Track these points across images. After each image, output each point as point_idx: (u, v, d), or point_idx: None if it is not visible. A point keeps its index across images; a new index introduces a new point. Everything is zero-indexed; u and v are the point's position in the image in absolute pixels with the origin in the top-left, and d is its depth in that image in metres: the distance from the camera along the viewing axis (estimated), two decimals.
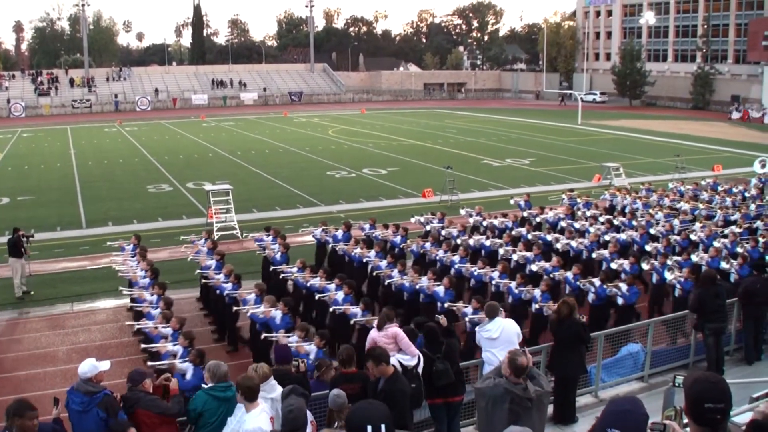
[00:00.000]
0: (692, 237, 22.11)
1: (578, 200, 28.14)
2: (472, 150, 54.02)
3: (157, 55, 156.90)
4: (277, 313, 15.00)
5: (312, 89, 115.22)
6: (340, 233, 22.37)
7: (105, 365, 10.24)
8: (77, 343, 18.62)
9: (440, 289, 16.44)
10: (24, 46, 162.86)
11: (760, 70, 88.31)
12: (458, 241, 21.72)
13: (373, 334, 11.68)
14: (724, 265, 18.41)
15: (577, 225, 23.86)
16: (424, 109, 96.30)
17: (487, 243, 21.79)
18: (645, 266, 18.59)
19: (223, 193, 30.88)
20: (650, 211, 26.10)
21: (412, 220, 25.62)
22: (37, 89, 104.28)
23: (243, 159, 51.12)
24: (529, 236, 22.44)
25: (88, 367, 10.00)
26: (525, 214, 26.43)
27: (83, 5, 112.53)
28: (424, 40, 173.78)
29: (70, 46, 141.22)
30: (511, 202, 28.82)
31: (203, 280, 19.84)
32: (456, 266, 19.28)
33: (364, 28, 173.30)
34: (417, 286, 17.13)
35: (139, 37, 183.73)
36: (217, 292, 17.79)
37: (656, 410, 8.37)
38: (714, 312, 14.61)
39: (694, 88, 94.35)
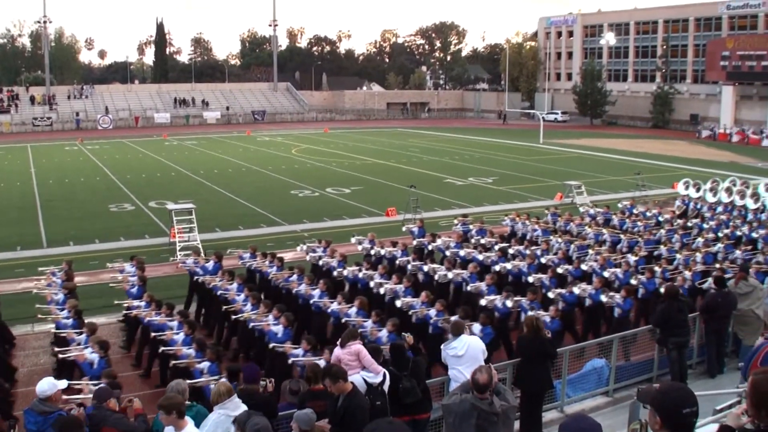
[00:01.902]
0: (583, 266, 21.13)
1: (471, 226, 27.41)
2: (435, 169, 54.27)
3: (120, 73, 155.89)
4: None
5: (275, 108, 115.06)
6: (210, 264, 21.43)
7: (63, 384, 10.19)
8: (38, 365, 18.36)
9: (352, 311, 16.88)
10: None
11: (718, 89, 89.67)
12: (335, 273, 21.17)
13: (337, 351, 11.69)
14: (603, 298, 17.51)
15: (462, 253, 22.98)
16: (388, 128, 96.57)
17: (360, 275, 20.41)
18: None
19: (186, 212, 30.72)
20: (550, 237, 25.59)
21: (297, 249, 25.00)
22: None
23: (206, 178, 50.90)
24: (410, 266, 21.56)
25: (47, 385, 9.97)
26: (415, 242, 25.59)
27: (45, 22, 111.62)
28: (387, 60, 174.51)
29: (31, 63, 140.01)
30: (404, 229, 28.39)
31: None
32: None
33: (328, 48, 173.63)
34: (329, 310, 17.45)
35: (101, 54, 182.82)
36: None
37: (622, 424, 8.47)
38: (677, 326, 14.84)
39: (654, 107, 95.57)
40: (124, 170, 55.41)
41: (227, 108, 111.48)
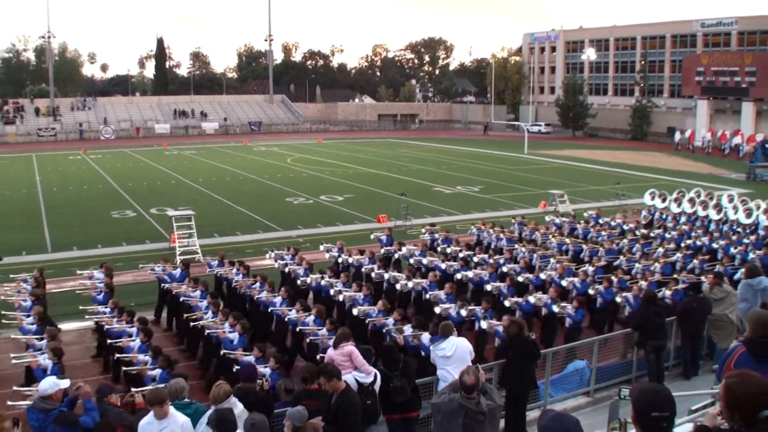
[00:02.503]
0: (542, 275, 20.80)
1: (437, 235, 26.90)
2: (424, 177, 54.31)
3: (121, 86, 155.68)
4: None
5: (271, 119, 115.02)
6: (177, 272, 21.27)
7: (65, 383, 10.23)
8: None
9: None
10: None
11: (693, 103, 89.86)
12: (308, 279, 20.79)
13: (330, 352, 11.74)
14: (555, 308, 17.17)
15: (425, 261, 22.71)
16: (379, 138, 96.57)
17: (323, 282, 20.15)
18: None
19: (186, 218, 30.72)
20: (515, 246, 25.23)
21: (266, 256, 25.04)
22: (3, 117, 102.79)
23: (205, 186, 50.87)
24: (373, 274, 21.45)
25: (49, 384, 10.06)
26: (383, 250, 25.34)
27: (49, 37, 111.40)
28: (378, 74, 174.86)
29: (36, 76, 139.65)
30: (372, 237, 27.84)
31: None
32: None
33: (321, 62, 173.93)
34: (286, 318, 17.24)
35: (104, 68, 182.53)
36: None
37: (602, 423, 8.50)
38: (655, 330, 14.90)
39: (633, 120, 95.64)
40: (126, 178, 55.35)
41: (225, 119, 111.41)
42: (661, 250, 24.69)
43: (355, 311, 17.29)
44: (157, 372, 12.91)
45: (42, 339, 15.05)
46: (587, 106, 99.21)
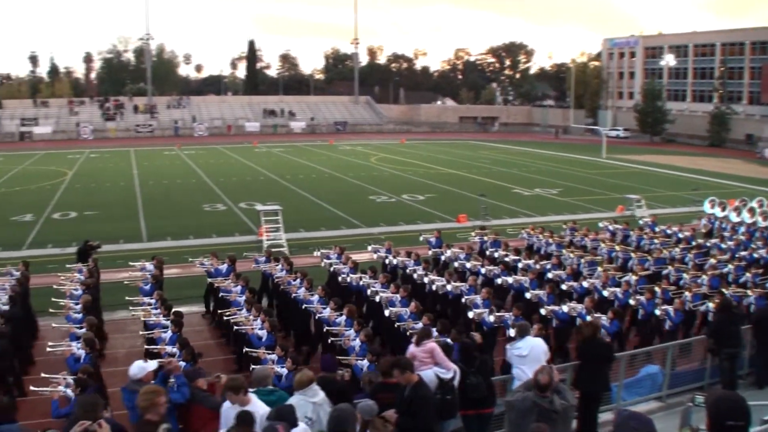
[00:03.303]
0: (585, 284, 19.53)
1: (485, 238, 25.86)
2: (503, 179, 53.83)
3: (214, 86, 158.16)
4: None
5: (356, 120, 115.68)
6: (224, 267, 21.01)
7: (152, 365, 10.48)
8: (134, 347, 18.64)
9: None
10: (93, 75, 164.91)
11: None
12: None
13: (412, 348, 11.70)
14: (588, 319, 15.70)
15: (468, 265, 21.94)
16: (460, 140, 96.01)
17: (362, 282, 19.77)
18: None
19: (273, 213, 31.14)
20: (564, 251, 23.97)
21: (315, 253, 24.26)
22: (104, 114, 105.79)
23: (292, 183, 51.41)
24: (415, 275, 20.91)
25: (137, 368, 10.29)
26: (430, 252, 24.79)
27: (147, 39, 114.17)
28: (460, 77, 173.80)
29: (135, 75, 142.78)
30: (421, 239, 26.67)
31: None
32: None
33: (405, 65, 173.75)
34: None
35: (198, 68, 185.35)
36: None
37: (673, 428, 8.35)
38: (730, 338, 14.50)
39: (711, 126, 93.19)
40: (217, 174, 56.36)
41: (312, 119, 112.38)
42: (712, 261, 23.23)
43: (386, 312, 17.09)
44: (181, 365, 12.98)
45: (82, 328, 15.23)
46: (666, 111, 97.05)
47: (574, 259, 23.04)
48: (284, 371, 12.60)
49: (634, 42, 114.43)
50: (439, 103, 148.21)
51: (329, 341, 15.69)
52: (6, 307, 17.35)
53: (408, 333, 15.22)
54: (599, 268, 21.52)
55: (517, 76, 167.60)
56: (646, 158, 73.32)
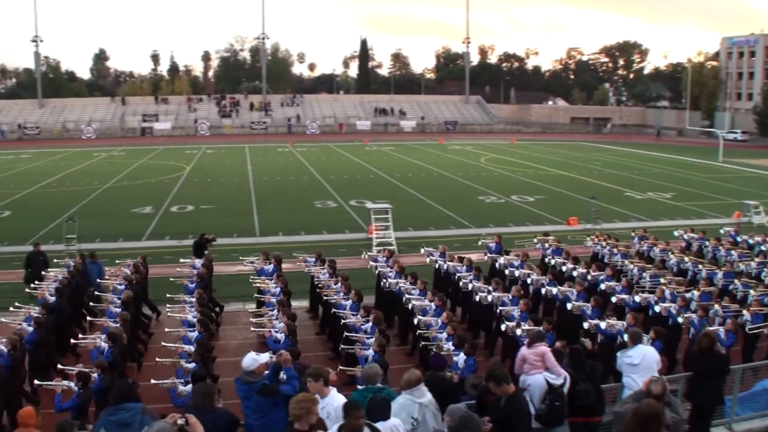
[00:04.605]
0: (637, 298, 18.01)
1: (546, 245, 24.58)
2: (615, 182, 52.52)
3: (327, 84, 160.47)
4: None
5: (466, 119, 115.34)
6: (270, 267, 20.91)
7: (264, 357, 10.60)
8: (247, 338, 18.94)
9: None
10: (211, 74, 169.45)
11: None
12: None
13: (523, 350, 11.47)
14: (626, 337, 13.75)
15: (517, 273, 20.82)
16: (571, 141, 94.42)
17: (401, 288, 19.03)
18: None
19: (383, 211, 31.19)
20: (626, 261, 22.58)
21: (363, 256, 23.95)
22: (221, 111, 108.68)
23: (401, 181, 51.55)
24: (461, 283, 19.96)
25: (249, 361, 10.44)
26: (486, 257, 23.81)
27: (263, 38, 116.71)
28: (572, 76, 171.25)
29: (251, 74, 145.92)
30: (480, 243, 25.78)
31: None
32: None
33: (516, 64, 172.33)
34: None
35: (311, 67, 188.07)
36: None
37: None
38: None
39: None
40: (329, 171, 57.04)
41: (422, 118, 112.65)
42: None
43: (415, 320, 16.71)
44: (191, 366, 12.96)
45: (116, 323, 15.50)
46: None
47: (635, 270, 21.69)
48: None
49: (754, 41, 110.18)
50: (550, 103, 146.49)
51: (339, 349, 15.55)
52: (52, 299, 17.69)
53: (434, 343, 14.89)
54: (662, 280, 20.04)
55: (631, 76, 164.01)
56: (766, 162, 70.41)
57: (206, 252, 23.91)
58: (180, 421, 6.92)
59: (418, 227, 35.09)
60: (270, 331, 15.01)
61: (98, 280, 20.98)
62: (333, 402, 8.99)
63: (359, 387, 10.10)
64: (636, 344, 11.95)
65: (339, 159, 68.56)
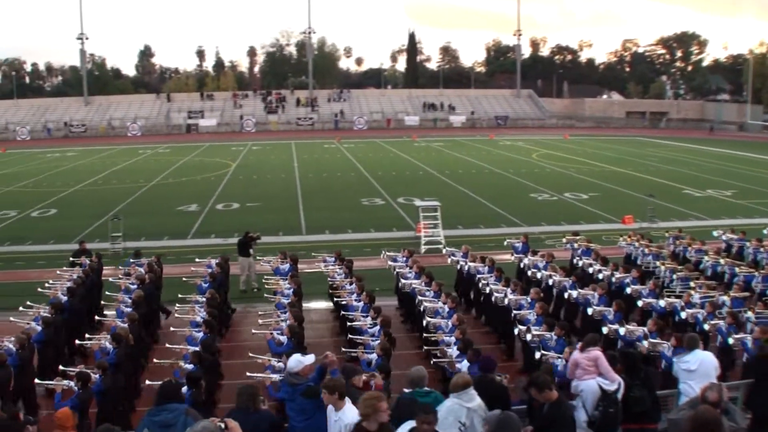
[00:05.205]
0: (662, 303, 17.25)
1: (575, 245, 23.90)
2: (673, 179, 51.74)
3: (374, 79, 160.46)
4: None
5: (517, 114, 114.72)
6: (286, 267, 20.91)
7: (309, 359, 10.64)
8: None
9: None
10: (256, 69, 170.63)
11: None
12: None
13: (576, 354, 11.36)
14: (644, 344, 14.11)
15: (539, 275, 20.37)
16: (626, 136, 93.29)
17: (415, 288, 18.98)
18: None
19: (432, 209, 31.13)
20: (657, 262, 21.94)
21: (382, 256, 23.75)
22: (267, 107, 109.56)
23: (450, 178, 51.46)
24: (480, 285, 19.79)
25: (294, 362, 10.52)
26: (513, 257, 23.48)
27: (309, 33, 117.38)
28: (627, 69, 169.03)
29: (297, 69, 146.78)
30: (506, 243, 25.15)
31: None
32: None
33: (569, 57, 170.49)
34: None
35: (358, 62, 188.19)
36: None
37: None
38: None
39: None
40: (376, 168, 57.21)
41: (472, 112, 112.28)
42: None
43: (424, 322, 16.62)
44: (189, 367, 12.97)
45: (125, 322, 15.67)
46: None
47: (666, 272, 21.04)
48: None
49: None
50: (604, 97, 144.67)
51: (342, 350, 15.45)
52: (65, 298, 17.86)
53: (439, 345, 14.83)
54: (692, 284, 19.25)
55: (689, 68, 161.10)
56: None
57: (251, 250, 24.10)
58: (220, 425, 7.00)
59: (468, 225, 35.02)
60: (272, 333, 14.84)
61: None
62: (346, 417, 8.90)
63: (406, 390, 10.05)
64: (692, 350, 11.75)
65: (386, 155, 68.70)
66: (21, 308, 17.66)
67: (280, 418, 10.14)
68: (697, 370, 11.44)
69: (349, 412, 8.95)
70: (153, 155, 71.81)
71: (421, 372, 10.13)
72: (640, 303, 17.84)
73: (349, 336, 15.81)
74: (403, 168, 57.69)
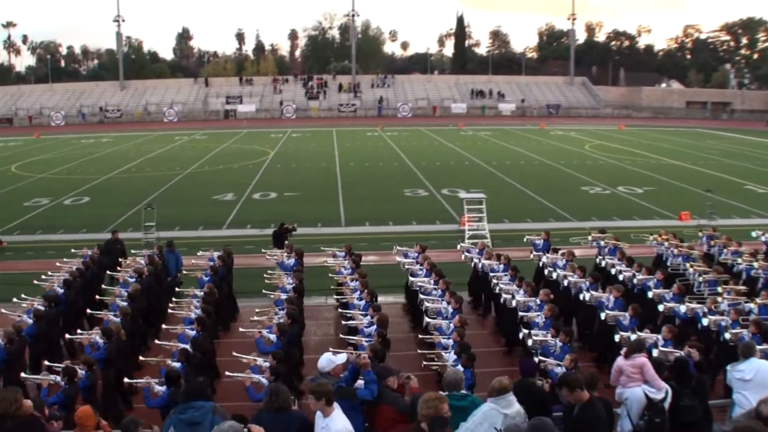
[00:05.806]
0: (682, 308, 16.47)
1: (602, 243, 23.12)
2: (734, 174, 50.76)
3: (420, 64, 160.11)
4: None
5: (570, 102, 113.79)
6: (292, 261, 20.66)
7: (341, 358, 10.60)
8: (328, 335, 19.16)
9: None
10: (297, 53, 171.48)
11: None
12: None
13: (620, 361, 11.20)
14: (654, 353, 13.09)
15: (554, 275, 19.71)
16: (686, 128, 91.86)
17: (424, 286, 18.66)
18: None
19: (477, 201, 30.99)
20: (687, 264, 20.87)
21: (392, 251, 23.02)
22: (308, 93, 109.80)
23: (498, 169, 51.15)
24: (492, 283, 19.18)
25: (325, 361, 10.50)
26: (532, 255, 22.88)
27: (353, 16, 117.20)
28: (688, 56, 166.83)
29: (339, 53, 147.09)
30: (525, 239, 24.51)
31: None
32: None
33: (626, 42, 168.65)
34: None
35: (404, 46, 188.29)
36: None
37: None
38: None
39: None
40: (420, 157, 57.08)
41: (522, 100, 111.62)
42: None
43: (424, 322, 16.43)
44: (176, 365, 12.86)
45: (117, 316, 15.65)
46: None
47: (694, 275, 20.18)
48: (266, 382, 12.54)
49: None
50: (663, 85, 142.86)
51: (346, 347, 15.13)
52: (61, 291, 17.92)
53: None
54: (719, 288, 18.41)
55: (755, 56, 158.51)
56: None
57: (286, 242, 24.10)
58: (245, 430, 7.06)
59: (515, 219, 34.74)
60: (260, 332, 14.71)
61: (176, 272, 21.46)
62: (335, 425, 8.77)
63: (442, 393, 9.98)
64: (748, 358, 11.48)
65: (431, 144, 68.52)
66: (15, 300, 17.70)
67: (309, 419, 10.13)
68: (753, 379, 11.18)
69: (338, 420, 8.83)
70: (189, 142, 72.51)
71: (457, 375, 10.06)
72: (661, 307, 17.22)
73: (340, 335, 15.82)
74: (448, 158, 57.44)
